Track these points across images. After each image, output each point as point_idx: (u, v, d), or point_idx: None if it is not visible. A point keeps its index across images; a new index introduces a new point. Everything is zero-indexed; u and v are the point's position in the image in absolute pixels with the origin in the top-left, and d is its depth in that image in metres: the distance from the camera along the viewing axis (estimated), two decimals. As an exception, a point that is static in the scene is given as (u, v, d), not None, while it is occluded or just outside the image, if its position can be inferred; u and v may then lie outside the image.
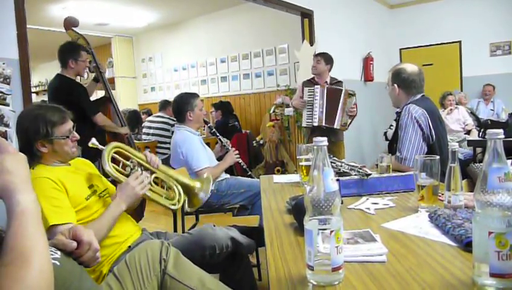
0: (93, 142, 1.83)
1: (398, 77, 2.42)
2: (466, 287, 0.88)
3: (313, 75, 4.28)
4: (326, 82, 4.20)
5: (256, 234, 2.28)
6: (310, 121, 4.09)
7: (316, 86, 4.05)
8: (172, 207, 2.01)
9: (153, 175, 1.96)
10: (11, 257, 0.75)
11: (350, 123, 4.05)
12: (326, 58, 4.22)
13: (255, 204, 2.97)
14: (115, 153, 1.86)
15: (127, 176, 1.86)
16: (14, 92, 2.46)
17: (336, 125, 3.96)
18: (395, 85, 2.42)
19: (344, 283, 0.93)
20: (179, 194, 2.05)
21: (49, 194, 1.60)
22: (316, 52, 4.47)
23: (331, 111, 3.96)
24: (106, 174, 1.90)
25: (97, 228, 1.64)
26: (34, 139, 1.69)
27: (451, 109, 5.73)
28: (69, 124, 1.78)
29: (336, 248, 0.90)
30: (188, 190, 2.14)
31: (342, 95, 3.93)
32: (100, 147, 1.83)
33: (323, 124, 3.99)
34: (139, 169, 1.90)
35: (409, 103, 2.34)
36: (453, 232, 1.16)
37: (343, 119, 3.96)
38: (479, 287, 0.86)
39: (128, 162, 1.91)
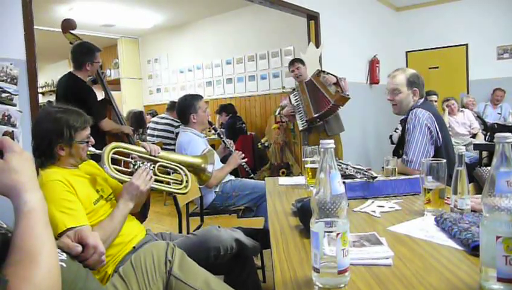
0: (90, 149, 1.83)
1: (418, 81, 2.41)
2: (473, 291, 0.87)
3: (297, 83, 4.39)
4: None
5: (261, 236, 2.27)
6: (304, 119, 4.20)
7: (296, 86, 4.24)
8: (182, 192, 2.00)
9: (157, 164, 1.94)
10: (19, 256, 0.75)
11: (342, 89, 4.02)
12: (301, 61, 4.34)
13: (259, 206, 2.97)
14: (114, 153, 1.84)
15: (131, 173, 1.85)
16: (21, 93, 2.47)
17: (332, 100, 3.98)
18: (417, 89, 2.40)
19: (350, 286, 0.93)
20: (185, 174, 2.03)
21: (63, 197, 1.61)
22: (291, 60, 4.53)
23: (317, 96, 4.08)
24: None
25: (111, 230, 1.65)
26: (55, 142, 1.70)
27: (451, 108, 5.69)
28: (88, 129, 1.81)
29: (342, 251, 0.90)
30: (194, 168, 2.14)
31: (314, 80, 4.11)
32: (98, 151, 1.82)
33: (314, 115, 4.08)
34: (141, 163, 1.88)
35: (415, 108, 2.35)
36: (459, 236, 1.15)
37: (330, 91, 4.00)
38: (486, 292, 0.85)
39: (129, 159, 1.89)
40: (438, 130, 2.28)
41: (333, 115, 4.20)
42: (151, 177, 1.85)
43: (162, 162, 1.97)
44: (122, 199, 1.77)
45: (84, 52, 3.38)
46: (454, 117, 5.67)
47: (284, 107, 5.91)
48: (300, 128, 4.28)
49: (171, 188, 1.98)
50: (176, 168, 2.02)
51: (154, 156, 1.94)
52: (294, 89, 4.39)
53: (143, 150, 1.93)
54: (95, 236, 1.18)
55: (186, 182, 2.02)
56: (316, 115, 4.07)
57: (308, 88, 4.15)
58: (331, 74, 4.09)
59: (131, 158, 1.90)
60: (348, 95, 4.06)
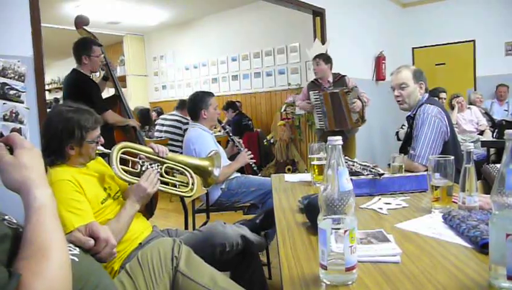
0: (99, 148, 1.84)
1: (422, 75, 2.44)
2: (482, 289, 0.87)
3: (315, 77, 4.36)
4: (329, 81, 4.26)
5: (265, 216, 2.30)
6: (323, 124, 4.21)
7: (320, 93, 4.13)
8: (187, 195, 2.01)
9: (164, 165, 1.96)
10: (30, 251, 0.76)
11: (363, 116, 4.10)
12: (324, 58, 4.26)
13: (265, 203, 2.97)
14: (123, 153, 1.86)
15: (138, 174, 1.87)
16: (28, 90, 2.48)
17: (349, 126, 4.08)
18: (423, 82, 2.43)
19: (357, 283, 0.92)
20: (191, 177, 2.05)
21: (72, 197, 1.62)
22: (315, 54, 4.47)
23: (340, 115, 4.07)
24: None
25: (117, 231, 1.65)
26: (66, 142, 1.71)
27: (461, 105, 5.65)
28: (99, 129, 1.81)
29: (350, 248, 0.90)
30: (200, 171, 2.15)
31: (340, 96, 4.01)
32: (106, 151, 1.83)
33: (335, 128, 4.08)
34: (148, 165, 1.90)
35: (423, 104, 2.36)
36: (468, 234, 1.14)
37: (352, 117, 4.04)
38: (495, 290, 0.84)
39: (137, 159, 1.91)
40: (447, 123, 2.30)
41: None
42: (159, 179, 1.87)
43: (169, 163, 1.99)
44: (129, 200, 1.78)
45: (80, 46, 3.43)
46: (461, 114, 5.63)
47: (290, 104, 5.91)
48: (318, 126, 4.33)
49: (177, 190, 2.00)
50: (183, 170, 2.04)
51: (162, 157, 1.96)
52: (313, 82, 4.35)
53: (151, 150, 1.94)
54: (106, 229, 1.19)
55: (192, 184, 2.04)
56: (336, 129, 4.09)
57: (332, 101, 4.07)
58: (359, 98, 4.04)
59: (139, 158, 1.91)
60: (365, 120, 4.15)
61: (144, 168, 1.88)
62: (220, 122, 3.29)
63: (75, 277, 0.81)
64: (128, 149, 1.89)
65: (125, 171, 1.84)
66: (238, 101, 6.88)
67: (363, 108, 4.07)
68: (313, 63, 4.30)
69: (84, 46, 3.41)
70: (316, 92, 4.16)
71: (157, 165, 1.92)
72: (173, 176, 2.05)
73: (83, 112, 1.77)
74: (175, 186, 2.00)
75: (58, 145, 1.72)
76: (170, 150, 2.05)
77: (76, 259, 1.00)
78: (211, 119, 3.11)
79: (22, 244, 0.77)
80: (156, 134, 5.64)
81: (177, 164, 2.03)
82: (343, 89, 4.04)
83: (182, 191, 2.00)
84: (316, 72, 4.26)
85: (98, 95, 3.41)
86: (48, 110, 2.53)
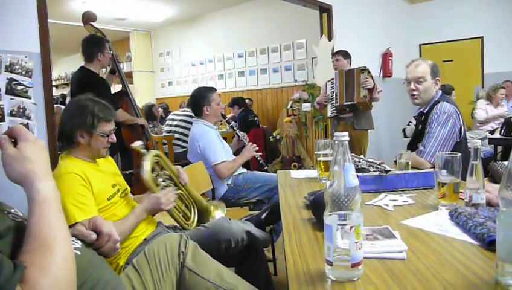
0: (137, 145, 1.89)
1: (439, 72, 2.41)
2: (489, 286, 0.86)
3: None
4: None
5: (271, 212, 2.32)
6: (334, 106, 4.30)
7: (334, 72, 4.31)
8: (185, 227, 2.07)
9: (178, 191, 2.03)
10: (34, 244, 0.76)
11: (371, 98, 4.20)
12: (344, 54, 4.43)
13: (271, 199, 2.97)
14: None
15: (157, 185, 1.93)
16: (35, 85, 2.50)
17: (356, 99, 4.14)
18: (439, 79, 2.40)
19: (363, 279, 0.92)
20: (194, 214, 2.15)
21: (77, 191, 1.63)
22: (334, 51, 4.59)
23: (349, 89, 4.20)
24: (122, 169, 1.94)
25: (119, 232, 1.67)
26: (77, 127, 1.74)
27: (497, 104, 5.61)
28: (112, 125, 1.84)
29: (356, 244, 0.89)
30: (203, 210, 2.22)
31: (355, 72, 4.19)
32: (142, 151, 1.91)
33: (344, 102, 4.19)
34: (169, 182, 1.98)
35: (439, 101, 2.33)
36: (474, 231, 1.14)
37: (361, 92, 4.14)
38: (502, 287, 0.83)
39: (161, 172, 1.98)
40: (461, 124, 2.28)
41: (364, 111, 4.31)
42: (174, 201, 1.93)
43: (183, 192, 2.07)
44: (141, 206, 1.82)
45: (94, 44, 3.41)
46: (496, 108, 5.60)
47: (296, 100, 5.91)
48: (329, 114, 4.43)
49: (180, 218, 2.05)
50: (189, 204, 2.13)
51: (181, 183, 2.06)
52: (333, 78, 4.48)
53: (176, 172, 2.04)
54: (109, 224, 1.19)
55: (192, 222, 2.12)
56: (345, 103, 4.20)
57: (345, 76, 4.24)
58: (373, 80, 4.18)
59: (163, 173, 1.99)
60: (372, 106, 4.26)
61: (165, 184, 1.95)
62: (223, 116, 3.28)
63: (77, 271, 0.81)
64: (159, 160, 1.97)
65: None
66: (248, 98, 6.87)
67: (372, 89, 4.15)
68: (333, 60, 4.44)
69: (98, 43, 3.41)
70: (333, 80, 4.32)
71: (174, 188, 2.01)
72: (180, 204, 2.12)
73: (100, 103, 1.80)
74: (179, 212, 2.06)
75: (69, 130, 1.75)
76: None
77: (79, 252, 1.00)
78: (214, 115, 3.10)
79: (25, 237, 0.78)
80: (167, 128, 5.67)
81: (188, 195, 2.12)
82: (360, 67, 4.20)
83: (181, 221, 2.05)
84: (336, 67, 4.39)
85: (108, 93, 3.41)
86: (55, 105, 2.55)
